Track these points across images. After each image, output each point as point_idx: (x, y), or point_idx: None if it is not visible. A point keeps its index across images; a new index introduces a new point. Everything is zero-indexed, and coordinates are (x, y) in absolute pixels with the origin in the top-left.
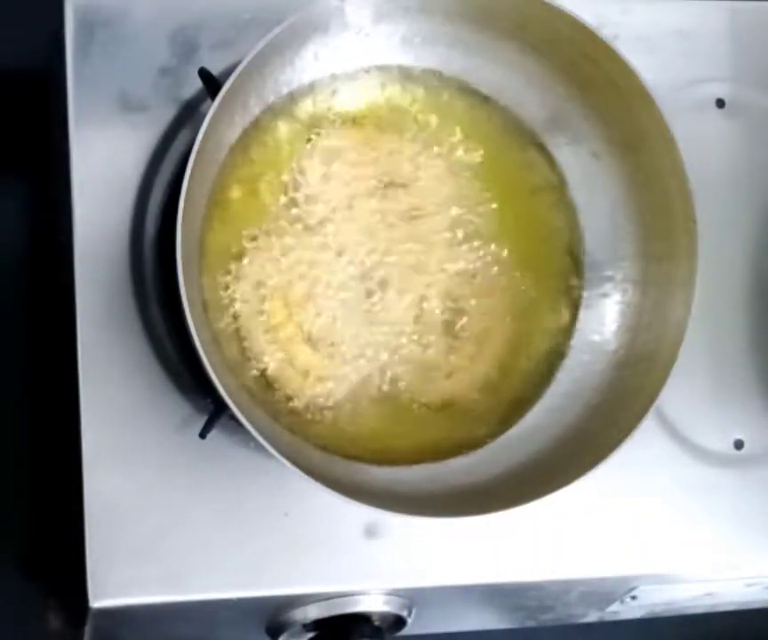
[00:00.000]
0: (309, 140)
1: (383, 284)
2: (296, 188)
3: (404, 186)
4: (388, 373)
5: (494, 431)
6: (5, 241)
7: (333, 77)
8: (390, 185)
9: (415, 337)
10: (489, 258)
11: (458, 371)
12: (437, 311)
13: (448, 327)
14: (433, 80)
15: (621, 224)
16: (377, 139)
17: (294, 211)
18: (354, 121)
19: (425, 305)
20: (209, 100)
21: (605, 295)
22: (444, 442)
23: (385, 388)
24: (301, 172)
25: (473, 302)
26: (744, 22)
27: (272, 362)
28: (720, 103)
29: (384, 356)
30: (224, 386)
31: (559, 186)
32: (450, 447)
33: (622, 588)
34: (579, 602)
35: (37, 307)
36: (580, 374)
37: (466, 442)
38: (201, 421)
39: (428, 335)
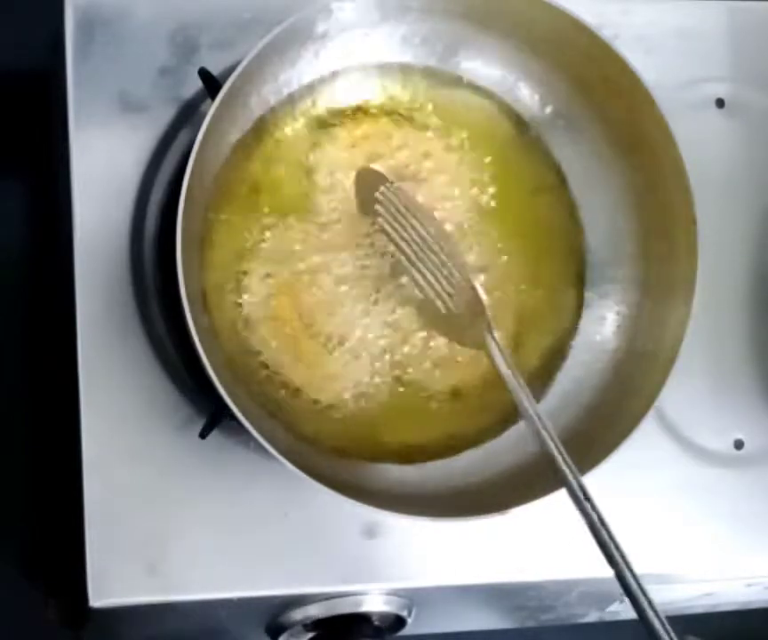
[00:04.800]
0: (310, 138)
1: (390, 279)
2: (299, 186)
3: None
4: (394, 369)
5: (495, 430)
6: (5, 241)
7: (333, 77)
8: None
9: (420, 334)
10: (489, 257)
11: (460, 370)
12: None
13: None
14: (433, 80)
15: (621, 224)
16: (378, 137)
17: (298, 207)
18: (354, 120)
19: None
20: (209, 100)
21: (605, 295)
22: (445, 440)
23: (390, 382)
24: (304, 170)
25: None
26: (744, 22)
27: (276, 358)
28: (720, 103)
29: (389, 352)
30: (224, 386)
31: (560, 186)
32: (451, 445)
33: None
34: (579, 602)
35: (37, 307)
36: (580, 374)
37: (466, 440)
38: (201, 422)
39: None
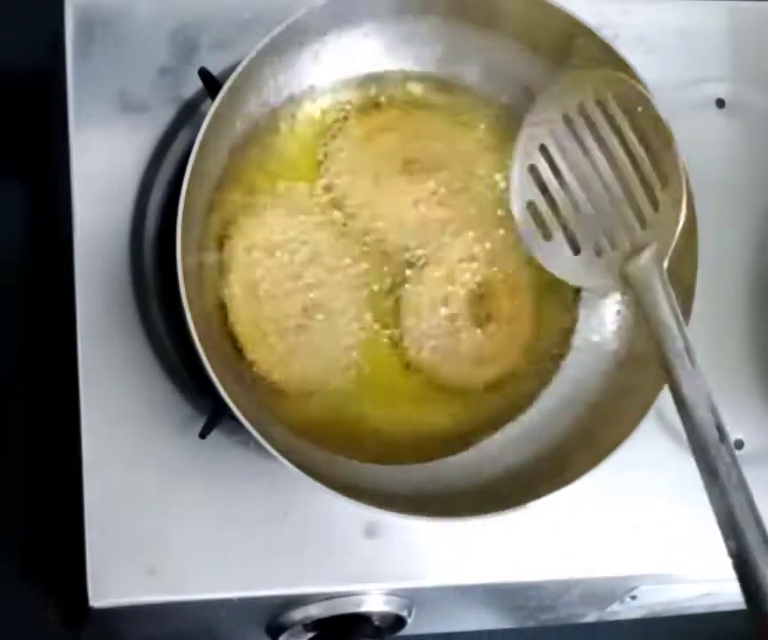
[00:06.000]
0: (312, 137)
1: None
2: (300, 186)
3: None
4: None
5: (491, 431)
6: (5, 241)
7: (333, 77)
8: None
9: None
10: (488, 258)
11: (460, 369)
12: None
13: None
14: (432, 80)
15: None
16: (375, 136)
17: (299, 208)
18: (353, 119)
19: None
20: (209, 100)
21: (605, 295)
22: (442, 440)
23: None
24: (306, 170)
25: (473, 303)
26: (744, 22)
27: (267, 356)
28: (720, 103)
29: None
30: (224, 386)
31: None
32: (448, 444)
33: (622, 588)
34: (579, 602)
35: (37, 307)
36: (580, 374)
37: (461, 440)
38: (201, 421)
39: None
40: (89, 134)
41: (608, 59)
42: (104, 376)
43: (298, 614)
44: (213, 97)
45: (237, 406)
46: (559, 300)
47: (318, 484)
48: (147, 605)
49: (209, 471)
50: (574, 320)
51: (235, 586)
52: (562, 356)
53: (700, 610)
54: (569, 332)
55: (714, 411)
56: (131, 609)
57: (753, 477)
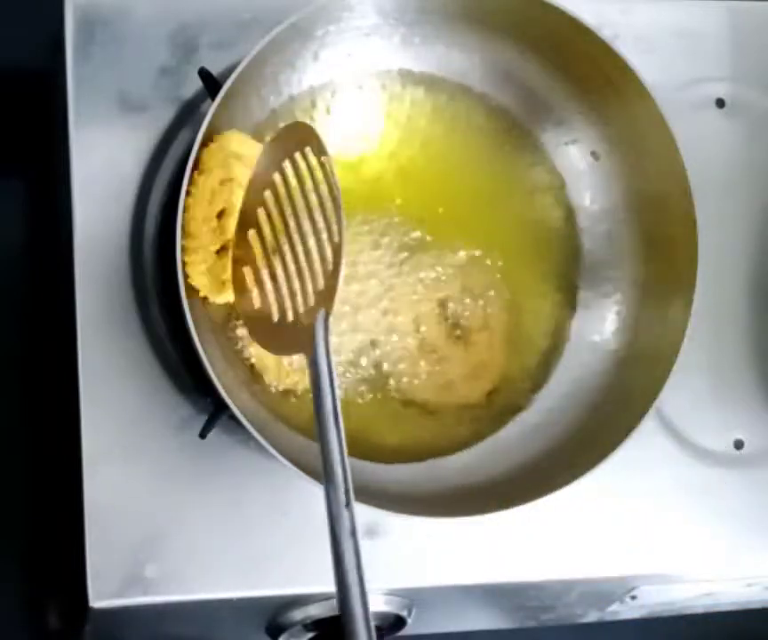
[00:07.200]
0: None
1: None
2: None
3: None
4: (385, 372)
5: (492, 430)
6: (5, 241)
7: (333, 77)
8: None
9: (412, 335)
10: (488, 258)
11: (455, 370)
12: (434, 310)
13: (445, 326)
14: (432, 80)
15: (621, 224)
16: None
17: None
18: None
19: (421, 305)
20: (209, 100)
21: (605, 295)
22: (441, 440)
23: (380, 386)
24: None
25: (472, 302)
26: (744, 22)
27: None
28: (720, 103)
29: (379, 354)
30: (224, 386)
31: (558, 186)
32: (447, 445)
33: (622, 588)
34: (579, 602)
35: (37, 307)
36: (580, 374)
37: (463, 440)
38: (201, 421)
39: (424, 332)
40: (89, 134)
41: (608, 58)
42: (104, 376)
43: (298, 614)
44: (213, 97)
45: (237, 406)
46: (556, 301)
47: (318, 484)
48: (147, 605)
49: (209, 471)
50: (571, 321)
51: (235, 586)
52: (561, 356)
53: (700, 610)
54: (568, 332)
55: (347, 488)
56: (131, 609)
57: (753, 477)
